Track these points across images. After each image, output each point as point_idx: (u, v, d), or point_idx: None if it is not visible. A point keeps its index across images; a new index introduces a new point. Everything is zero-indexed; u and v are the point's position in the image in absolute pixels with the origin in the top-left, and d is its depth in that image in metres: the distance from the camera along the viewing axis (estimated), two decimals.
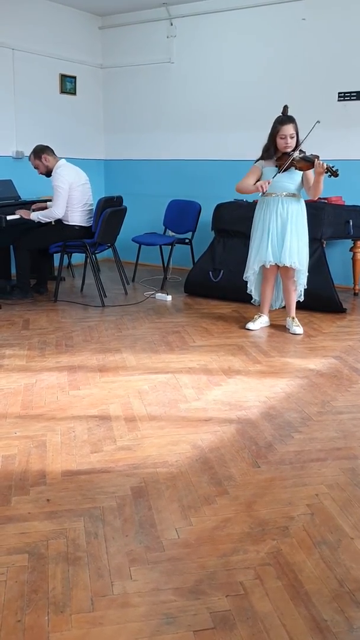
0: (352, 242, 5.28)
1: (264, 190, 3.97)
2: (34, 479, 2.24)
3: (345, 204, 5.20)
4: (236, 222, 5.12)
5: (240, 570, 1.75)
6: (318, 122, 3.84)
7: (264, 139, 4.15)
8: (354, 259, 5.34)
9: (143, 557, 1.81)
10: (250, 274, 4.32)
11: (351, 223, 4.97)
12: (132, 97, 6.65)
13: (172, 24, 6.19)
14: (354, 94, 5.36)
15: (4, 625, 1.54)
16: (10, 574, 1.72)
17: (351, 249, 5.33)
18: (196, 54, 6.13)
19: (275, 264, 4.15)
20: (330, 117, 5.36)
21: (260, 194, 4.12)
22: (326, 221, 4.71)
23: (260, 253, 4.15)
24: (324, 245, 4.80)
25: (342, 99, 5.42)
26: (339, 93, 5.42)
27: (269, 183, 3.96)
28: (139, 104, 6.61)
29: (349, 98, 5.39)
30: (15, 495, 2.13)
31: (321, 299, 4.64)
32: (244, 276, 4.38)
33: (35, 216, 4.89)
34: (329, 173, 3.87)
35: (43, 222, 4.93)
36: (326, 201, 4.91)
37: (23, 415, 2.81)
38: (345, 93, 5.40)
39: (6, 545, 1.84)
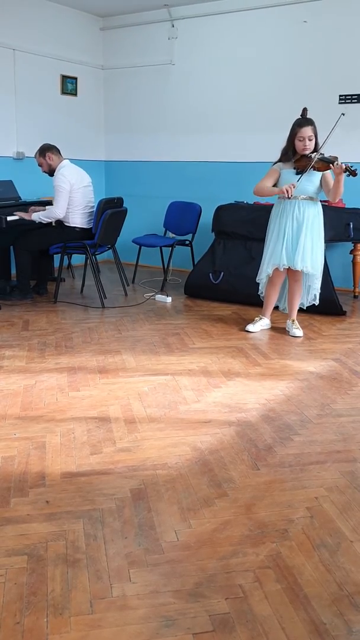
0: (352, 244, 5.29)
1: (290, 195, 3.90)
2: (33, 480, 2.24)
3: (346, 206, 5.21)
4: (236, 224, 5.13)
5: (239, 573, 1.75)
6: (343, 114, 3.76)
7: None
8: (354, 261, 5.35)
9: (142, 559, 1.81)
10: (264, 277, 4.26)
11: (351, 226, 4.97)
12: (133, 98, 6.66)
13: (173, 26, 6.20)
14: (355, 96, 5.37)
15: (3, 627, 1.53)
16: (9, 576, 1.72)
17: (351, 252, 5.33)
18: (197, 56, 6.14)
19: (290, 267, 4.11)
20: (330, 120, 5.36)
21: (277, 197, 4.10)
22: (326, 224, 4.70)
23: (275, 256, 4.10)
24: (325, 248, 4.79)
25: (342, 101, 5.43)
26: (339, 96, 5.43)
27: (294, 186, 3.89)
28: (140, 105, 6.62)
29: (349, 101, 5.40)
30: (15, 497, 2.12)
31: (321, 302, 4.62)
32: (257, 278, 4.32)
33: (37, 216, 4.89)
34: (347, 173, 3.84)
35: (44, 222, 4.93)
36: (326, 204, 4.90)
37: (22, 416, 2.81)
38: (346, 96, 5.41)
39: (5, 547, 1.84)
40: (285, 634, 1.53)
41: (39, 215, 4.89)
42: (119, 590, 1.67)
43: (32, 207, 5.13)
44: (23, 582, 1.69)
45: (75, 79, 6.48)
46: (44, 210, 4.98)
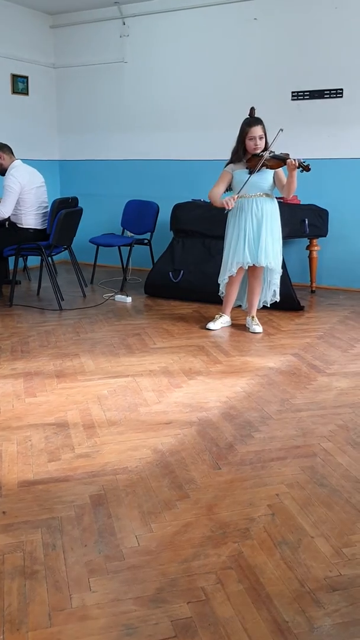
0: (308, 240, 5.35)
1: (230, 207, 3.95)
2: None
3: (301, 202, 5.26)
4: (194, 222, 5.12)
5: (201, 576, 1.73)
6: (281, 130, 3.84)
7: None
8: (310, 257, 5.41)
9: (102, 567, 1.77)
10: (227, 277, 4.23)
11: (307, 222, 5.02)
12: (86, 97, 6.57)
13: (124, 24, 6.14)
14: (307, 93, 5.43)
15: None
16: None
17: (307, 248, 5.39)
18: (149, 54, 6.10)
19: (254, 264, 4.11)
20: (284, 117, 5.41)
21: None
22: (282, 220, 4.73)
23: (237, 254, 4.09)
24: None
25: (295, 98, 5.48)
26: (292, 92, 5.48)
27: (234, 199, 3.94)
28: (94, 103, 6.54)
29: (302, 97, 5.46)
30: None
31: (280, 297, 4.66)
32: (220, 279, 4.29)
33: None
34: (301, 168, 3.87)
35: None
36: (282, 200, 4.94)
37: None
38: (298, 92, 5.46)
39: None
40: (248, 635, 1.52)
41: None
42: (78, 600, 1.63)
43: None
44: None
45: (26, 78, 6.35)
46: None
